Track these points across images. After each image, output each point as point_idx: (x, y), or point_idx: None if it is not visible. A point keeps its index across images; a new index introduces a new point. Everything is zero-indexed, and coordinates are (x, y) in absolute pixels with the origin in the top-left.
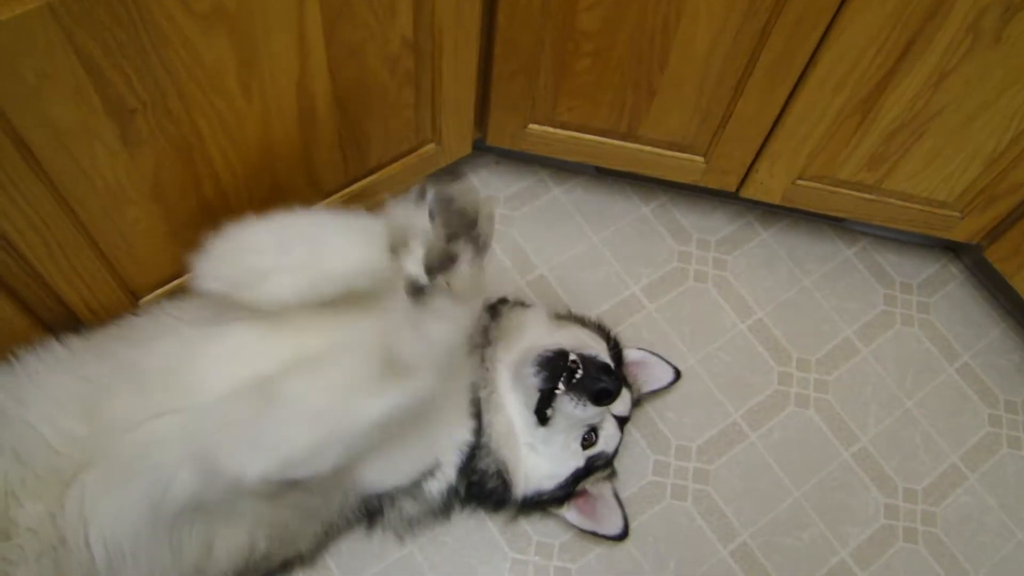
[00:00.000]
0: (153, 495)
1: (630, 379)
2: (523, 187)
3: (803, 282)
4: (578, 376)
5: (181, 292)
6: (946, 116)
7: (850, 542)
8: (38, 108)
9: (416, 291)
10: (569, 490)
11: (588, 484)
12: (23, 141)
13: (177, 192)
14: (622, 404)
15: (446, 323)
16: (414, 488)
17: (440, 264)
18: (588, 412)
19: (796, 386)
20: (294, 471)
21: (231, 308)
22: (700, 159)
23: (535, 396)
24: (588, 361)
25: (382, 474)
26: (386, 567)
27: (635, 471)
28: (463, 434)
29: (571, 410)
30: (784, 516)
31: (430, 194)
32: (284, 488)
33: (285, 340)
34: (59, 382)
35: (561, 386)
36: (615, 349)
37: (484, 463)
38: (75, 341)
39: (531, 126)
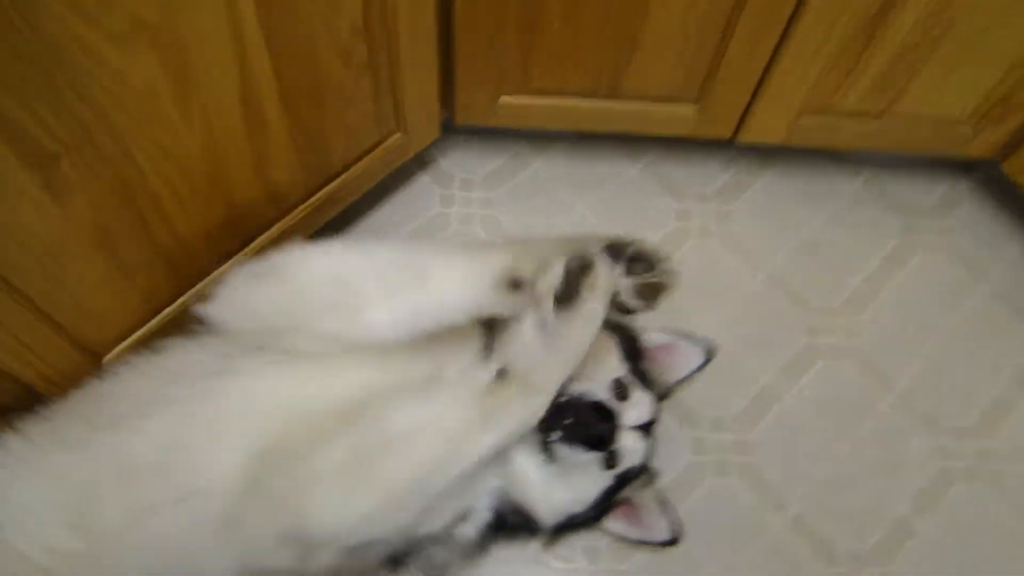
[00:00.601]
0: None
1: (654, 368)
2: (499, 164)
3: (812, 224)
4: (566, 424)
5: (151, 344)
6: (959, 28)
7: (907, 491)
8: None
9: (563, 297)
10: (605, 507)
11: (628, 493)
12: None
13: (123, 237)
14: (638, 412)
15: (584, 329)
16: (444, 535)
17: (578, 275)
18: (589, 455)
19: (824, 336)
20: (382, 525)
21: (242, 354)
22: (692, 108)
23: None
24: (576, 405)
25: (421, 518)
26: None
27: (671, 454)
28: (492, 479)
29: (570, 455)
30: (834, 476)
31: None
32: (348, 556)
33: (347, 381)
34: (29, 489)
35: (552, 435)
36: (630, 341)
37: (508, 504)
38: (35, 429)
39: (503, 98)
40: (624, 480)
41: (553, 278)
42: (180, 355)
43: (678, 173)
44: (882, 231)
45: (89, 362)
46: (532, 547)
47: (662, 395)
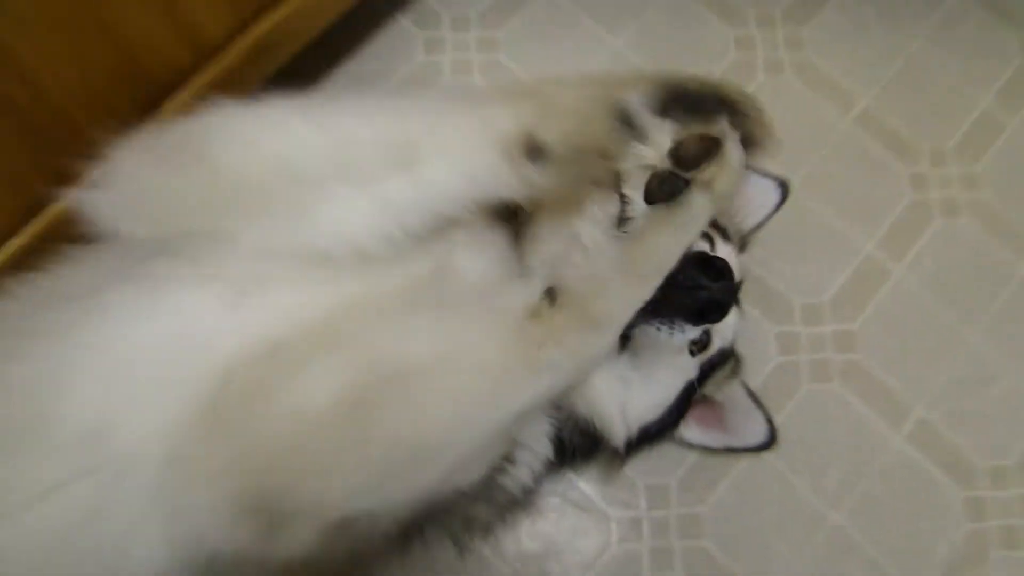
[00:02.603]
0: None
1: (725, 219)
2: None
3: (908, 47)
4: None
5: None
6: None
7: None
8: None
9: (666, 191)
10: (685, 408)
11: (708, 389)
12: None
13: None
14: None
15: (684, 234)
16: (486, 489)
17: (694, 159)
18: (688, 335)
19: (937, 189)
20: (377, 495)
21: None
22: None
23: None
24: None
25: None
26: None
27: (755, 355)
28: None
29: (665, 338)
30: (963, 370)
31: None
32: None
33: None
34: None
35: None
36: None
37: (566, 422)
38: None
39: None
40: (710, 369)
41: (650, 155)
42: (69, 271)
43: None
44: (1000, 49)
45: None
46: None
47: (740, 248)
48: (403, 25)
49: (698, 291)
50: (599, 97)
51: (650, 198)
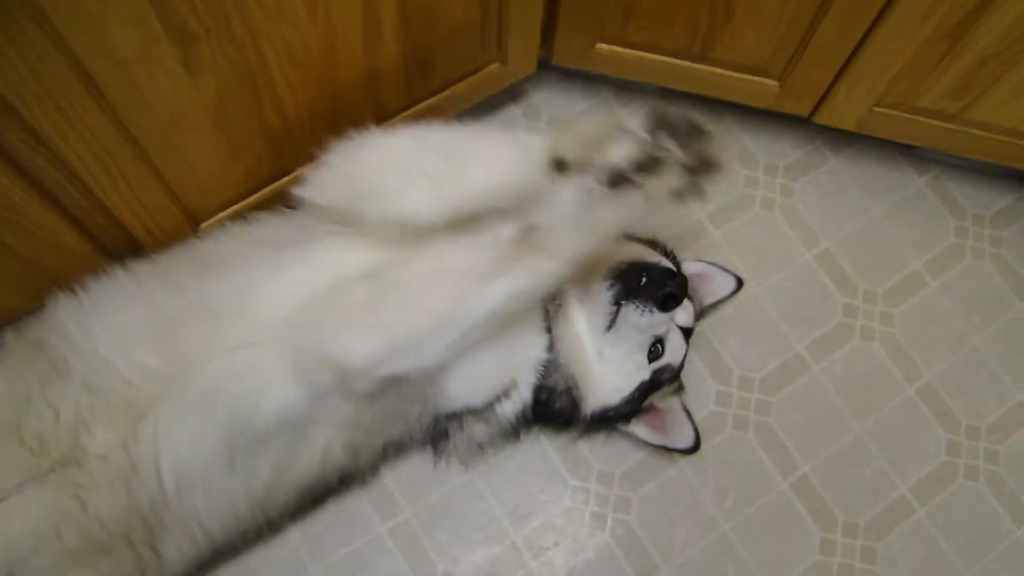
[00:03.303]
0: (234, 425)
1: (691, 292)
2: (587, 107)
3: (872, 212)
4: (643, 282)
5: (245, 215)
6: None
7: (910, 478)
8: (101, 37)
9: (614, 180)
10: (636, 405)
11: (656, 399)
12: (86, 72)
13: (239, 118)
14: (685, 314)
15: (619, 214)
16: (487, 410)
17: (648, 165)
18: (655, 319)
19: (862, 318)
20: (404, 359)
21: (320, 228)
22: (774, 83)
23: (605, 308)
24: (652, 267)
25: (462, 389)
26: (447, 492)
27: (697, 401)
28: (538, 351)
29: (637, 318)
30: (845, 450)
31: (651, 109)
32: (382, 389)
33: (393, 252)
34: (126, 312)
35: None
36: (673, 263)
37: (553, 379)
38: (140, 267)
39: (599, 45)
40: (658, 380)
41: (620, 154)
42: (266, 225)
43: (752, 143)
44: (938, 230)
45: (189, 225)
46: (556, 448)
47: (697, 315)
48: (513, 112)
49: (664, 287)
50: (610, 117)
51: (609, 184)
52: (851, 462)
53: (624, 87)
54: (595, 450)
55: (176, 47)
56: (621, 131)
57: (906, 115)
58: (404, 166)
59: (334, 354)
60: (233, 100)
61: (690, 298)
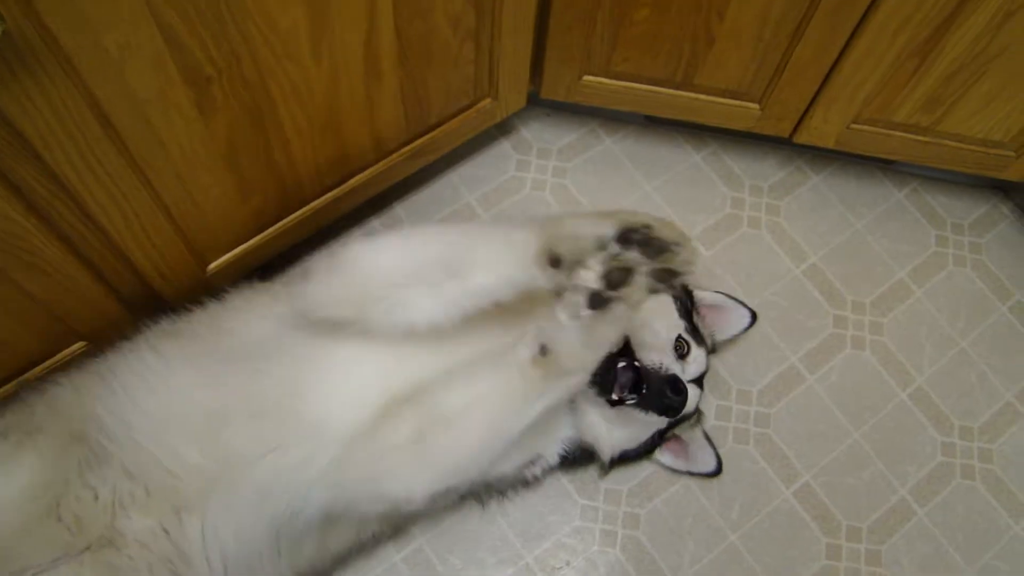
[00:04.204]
0: (283, 518)
1: (705, 327)
2: (575, 138)
3: (855, 225)
4: (644, 391)
5: (253, 266)
6: (1008, 56)
7: (908, 480)
8: (120, 80)
9: (596, 302)
10: (655, 445)
11: (678, 432)
12: (106, 115)
13: (248, 158)
14: (696, 367)
15: (614, 328)
16: (514, 476)
17: (618, 278)
18: (656, 419)
19: (852, 328)
20: (455, 481)
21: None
22: (755, 106)
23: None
24: (652, 377)
25: (495, 465)
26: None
27: None
28: (565, 430)
29: (638, 414)
30: (844, 456)
31: (618, 224)
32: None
33: (420, 357)
34: (164, 403)
35: (628, 398)
36: (685, 300)
37: (572, 449)
38: (167, 345)
39: (586, 78)
40: (676, 423)
41: (590, 279)
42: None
43: (738, 165)
44: (920, 240)
45: (197, 264)
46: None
47: (710, 350)
48: (504, 146)
49: (664, 399)
50: (589, 228)
51: (591, 305)
52: (851, 468)
53: (611, 118)
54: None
55: (190, 89)
56: (597, 243)
57: (882, 130)
58: (402, 277)
59: (388, 494)
60: (243, 140)
61: (703, 338)
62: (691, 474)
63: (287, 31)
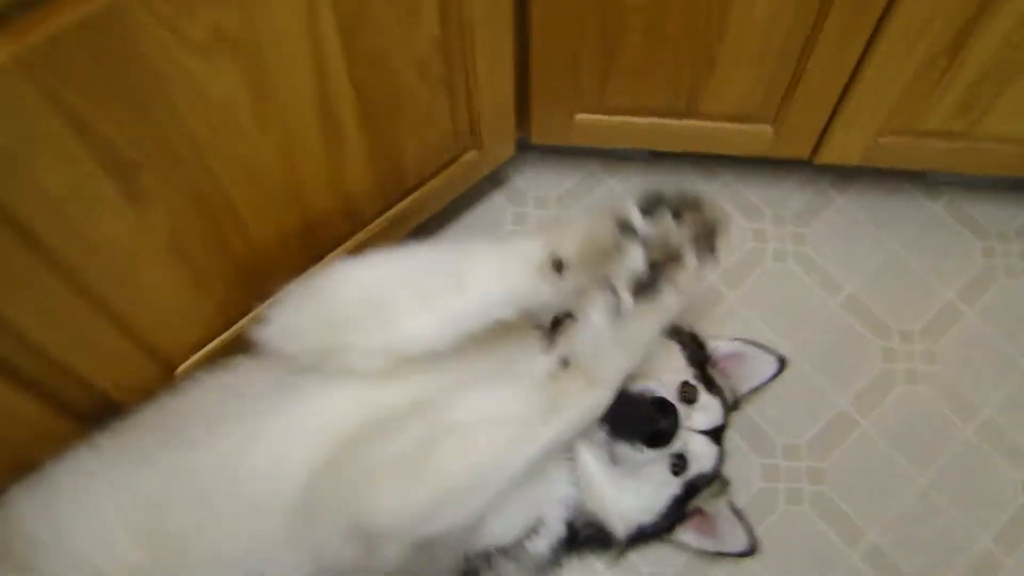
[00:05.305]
0: None
1: (723, 378)
2: (574, 183)
3: (891, 246)
4: (626, 419)
5: (222, 357)
6: None
7: (990, 526)
8: (27, 179)
9: (638, 289)
10: (675, 517)
11: (700, 503)
12: (17, 222)
13: (199, 246)
14: (704, 416)
15: (659, 319)
16: (516, 549)
17: (663, 254)
18: (649, 455)
19: (902, 361)
20: (442, 518)
21: (303, 372)
22: (769, 128)
23: (600, 445)
24: (636, 402)
25: (487, 529)
26: None
27: (743, 479)
28: (563, 486)
29: (632, 454)
30: (912, 507)
31: (640, 195)
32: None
33: (407, 387)
34: (98, 501)
35: (610, 431)
36: (695, 347)
37: (580, 511)
38: (104, 440)
39: (579, 116)
40: (694, 488)
41: (634, 263)
42: (244, 373)
43: (754, 194)
44: (963, 255)
45: (163, 371)
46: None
47: (732, 405)
48: (496, 200)
49: (651, 423)
50: (603, 213)
51: (635, 294)
52: (920, 518)
53: (612, 157)
54: (642, 554)
55: (114, 179)
56: (621, 229)
57: (912, 141)
58: (392, 292)
59: (361, 517)
60: (189, 228)
61: (717, 392)
62: (720, 555)
63: (222, 100)
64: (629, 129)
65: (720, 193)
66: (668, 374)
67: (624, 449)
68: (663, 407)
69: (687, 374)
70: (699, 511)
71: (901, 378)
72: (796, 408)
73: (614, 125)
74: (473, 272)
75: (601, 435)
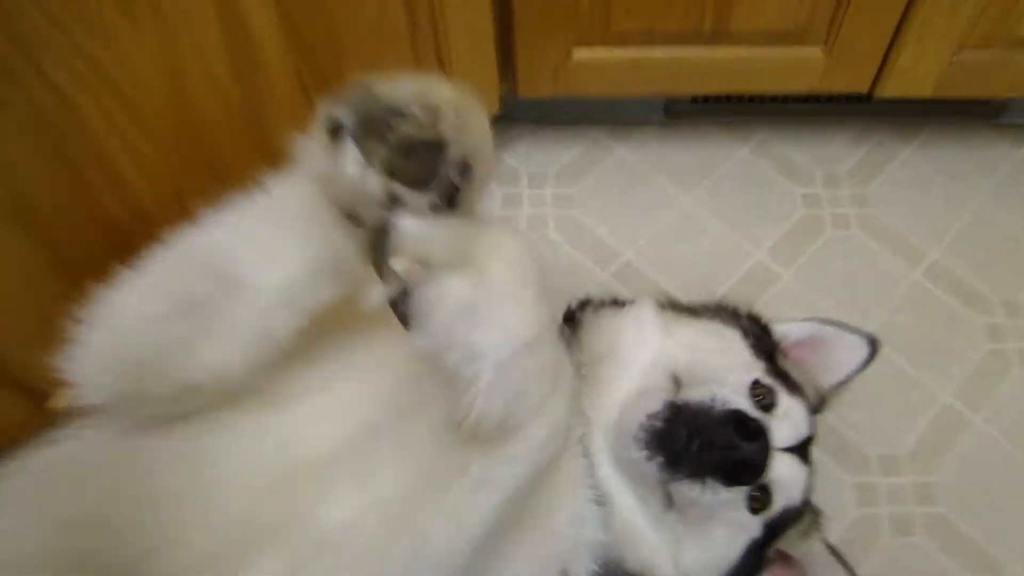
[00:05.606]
0: None
1: (800, 371)
2: (577, 154)
3: (974, 201)
4: (692, 447)
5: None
6: None
7: None
8: None
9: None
10: (751, 568)
11: (784, 544)
12: None
13: (60, 213)
14: (792, 427)
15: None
16: None
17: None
18: (721, 496)
19: (1012, 339)
20: None
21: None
22: (818, 51)
23: (651, 485)
24: (700, 415)
25: None
26: None
27: (833, 506)
28: (588, 531)
29: (698, 497)
30: None
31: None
32: None
33: (282, 421)
34: None
35: (675, 473)
36: (759, 332)
37: (617, 564)
38: None
39: (577, 52)
40: (778, 527)
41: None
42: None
43: (797, 153)
44: None
45: (29, 406)
46: None
47: (815, 406)
48: None
49: (731, 451)
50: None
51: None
52: None
53: (617, 121)
54: None
55: None
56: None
57: (1001, 54)
58: (165, 309)
59: None
60: (42, 185)
61: (798, 388)
62: None
63: None
64: (641, 67)
65: (755, 155)
66: (732, 372)
67: (687, 489)
68: (745, 425)
69: (756, 370)
70: (783, 556)
71: (1015, 359)
72: (887, 408)
73: (623, 63)
74: (234, 263)
75: (651, 469)
